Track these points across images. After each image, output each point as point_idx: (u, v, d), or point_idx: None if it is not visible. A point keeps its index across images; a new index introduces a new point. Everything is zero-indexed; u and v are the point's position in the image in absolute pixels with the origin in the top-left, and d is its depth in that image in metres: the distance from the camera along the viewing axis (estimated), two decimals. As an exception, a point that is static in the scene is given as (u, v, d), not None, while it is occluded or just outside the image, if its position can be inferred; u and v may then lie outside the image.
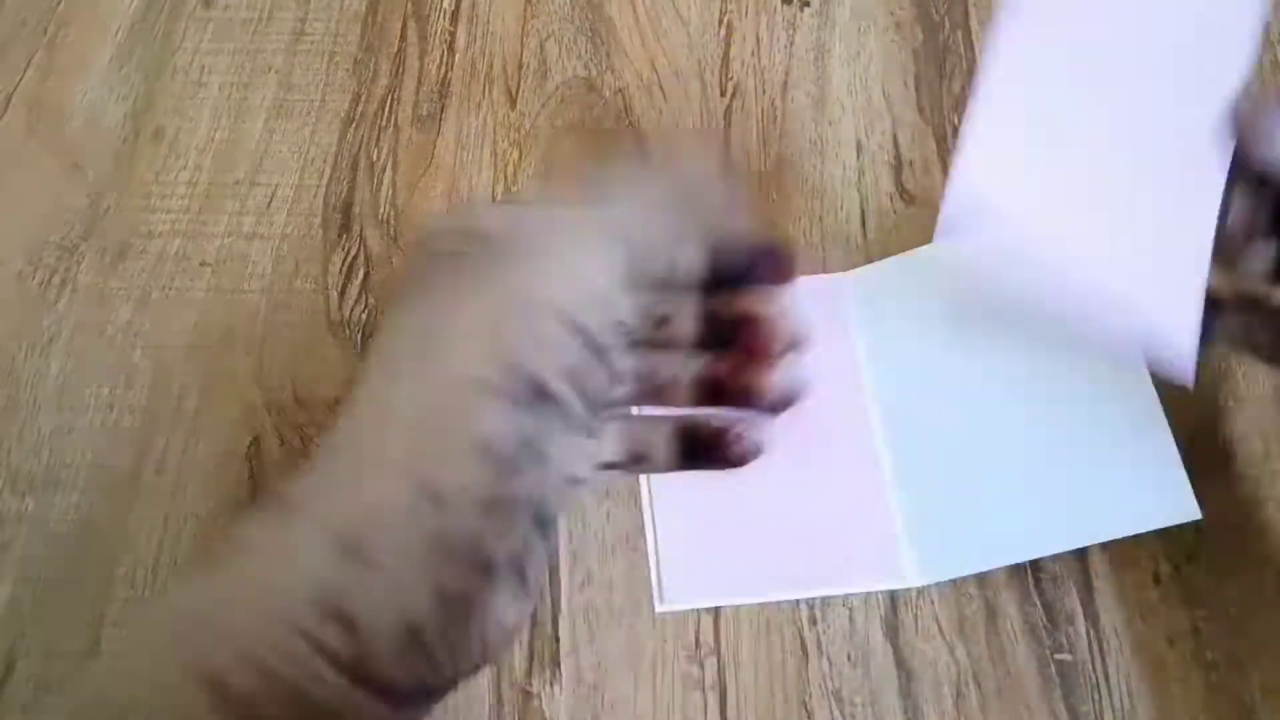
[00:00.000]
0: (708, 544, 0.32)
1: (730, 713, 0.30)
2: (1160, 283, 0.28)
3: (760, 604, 0.32)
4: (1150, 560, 0.32)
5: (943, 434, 0.33)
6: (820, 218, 0.39)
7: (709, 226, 0.26)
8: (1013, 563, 0.31)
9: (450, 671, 0.21)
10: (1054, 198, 0.28)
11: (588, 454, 0.25)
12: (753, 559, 0.32)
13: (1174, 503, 0.29)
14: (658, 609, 0.31)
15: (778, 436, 0.27)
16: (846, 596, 0.32)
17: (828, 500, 0.32)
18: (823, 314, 0.35)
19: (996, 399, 0.33)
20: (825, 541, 0.32)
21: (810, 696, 0.31)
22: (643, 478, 0.32)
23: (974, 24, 0.43)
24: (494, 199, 0.40)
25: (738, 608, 0.32)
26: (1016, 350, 0.33)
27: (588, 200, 0.25)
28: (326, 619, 0.19)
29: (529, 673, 0.31)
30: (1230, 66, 0.29)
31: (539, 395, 0.21)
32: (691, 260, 0.25)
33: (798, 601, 0.32)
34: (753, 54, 0.43)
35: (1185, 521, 0.29)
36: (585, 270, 0.23)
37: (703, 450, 0.26)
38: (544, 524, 0.22)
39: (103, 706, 0.19)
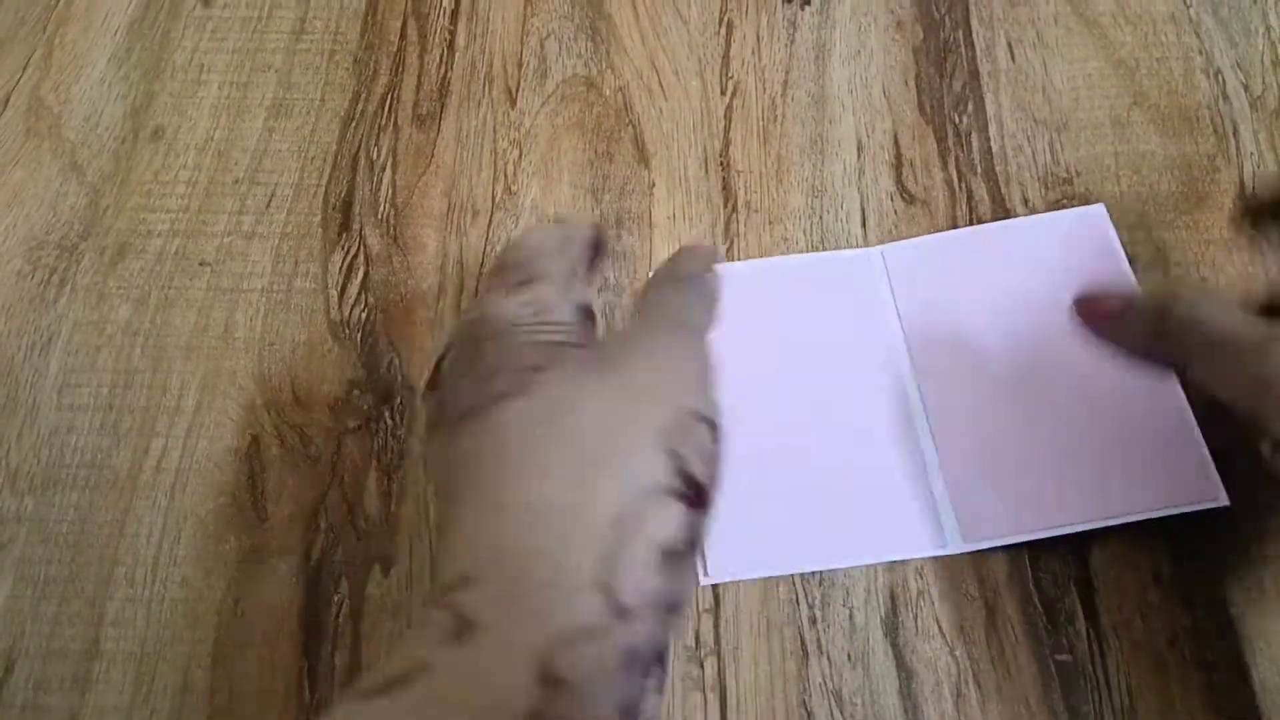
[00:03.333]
0: (752, 517, 0.32)
1: (730, 713, 0.30)
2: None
3: (764, 597, 0.32)
4: (1151, 560, 0.32)
5: (981, 405, 0.34)
6: (820, 217, 0.39)
7: None
8: (1048, 534, 0.31)
9: None
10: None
11: None
12: (795, 530, 0.32)
13: (1201, 487, 0.31)
14: (703, 581, 0.31)
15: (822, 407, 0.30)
16: (847, 597, 0.32)
17: (870, 468, 0.33)
18: (859, 285, 0.37)
19: (1031, 375, 0.34)
20: (868, 510, 0.33)
21: (810, 697, 0.31)
22: None
23: (974, 23, 0.43)
24: (494, 201, 0.39)
25: (738, 607, 0.32)
26: (1040, 337, 0.34)
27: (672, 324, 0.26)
28: None
29: (529, 673, 0.31)
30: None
31: (701, 499, 0.22)
32: None
33: (798, 601, 0.32)
34: (753, 53, 0.43)
35: (1213, 506, 0.30)
36: (708, 383, 0.24)
37: None
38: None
39: None
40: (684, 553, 0.21)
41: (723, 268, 0.29)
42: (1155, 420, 0.32)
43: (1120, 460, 0.32)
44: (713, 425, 0.23)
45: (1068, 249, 0.36)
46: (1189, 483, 0.31)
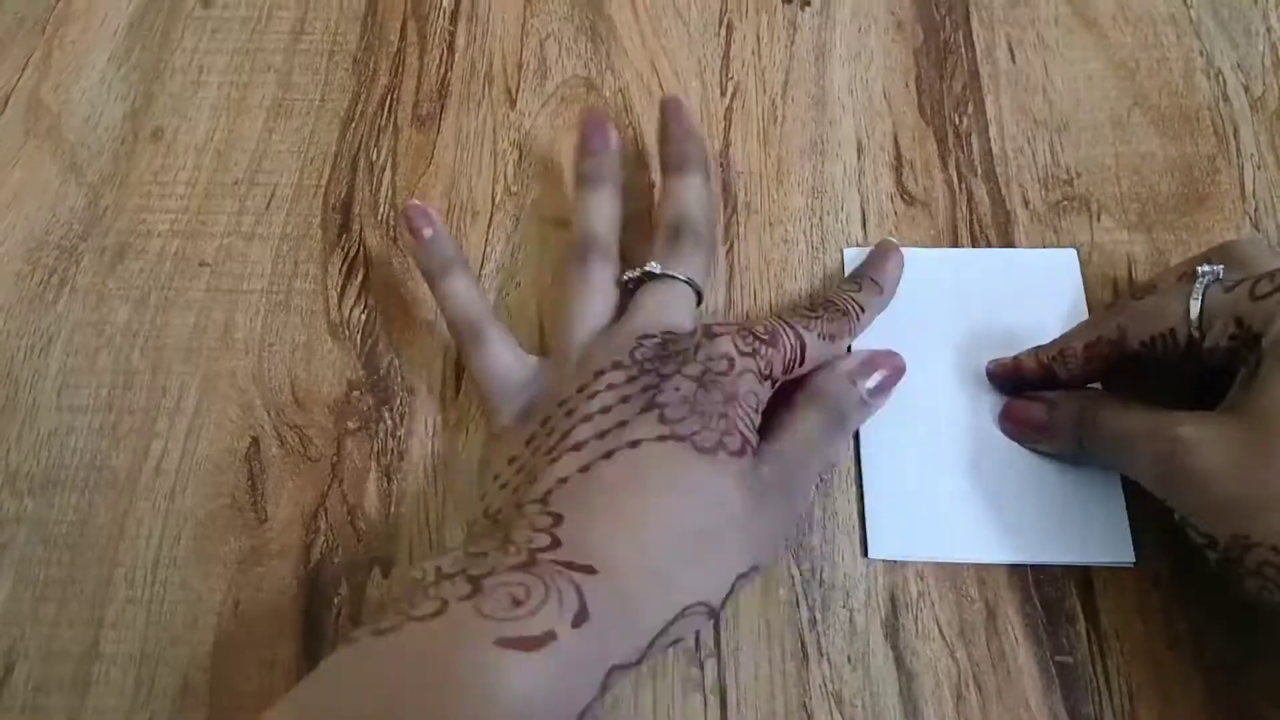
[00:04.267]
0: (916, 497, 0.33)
1: (730, 714, 0.30)
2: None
3: (764, 599, 0.32)
4: (1150, 561, 0.32)
5: (913, 426, 0.34)
6: (820, 218, 0.38)
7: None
8: (951, 561, 0.32)
9: None
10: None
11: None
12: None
13: (1114, 545, 0.32)
14: (871, 554, 0.32)
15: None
16: (847, 599, 0.32)
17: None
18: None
19: (970, 405, 0.34)
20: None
21: (810, 698, 0.31)
22: None
23: (975, 24, 0.43)
24: (494, 202, 0.39)
25: (738, 610, 0.32)
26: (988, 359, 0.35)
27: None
28: None
29: (529, 674, 0.31)
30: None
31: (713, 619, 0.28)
32: None
33: (798, 603, 0.32)
34: (753, 54, 0.43)
35: (1120, 563, 0.31)
36: (788, 534, 0.32)
37: None
38: None
39: None
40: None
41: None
42: (1081, 471, 0.33)
43: (1039, 505, 0.32)
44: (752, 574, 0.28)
45: (1035, 287, 0.36)
46: (1103, 539, 0.32)
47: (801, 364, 0.32)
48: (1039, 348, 0.33)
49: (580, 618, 0.23)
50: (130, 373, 0.36)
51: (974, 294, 0.36)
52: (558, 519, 0.26)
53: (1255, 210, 0.38)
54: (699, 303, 0.33)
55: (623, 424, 0.28)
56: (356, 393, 0.36)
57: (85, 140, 0.41)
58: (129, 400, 0.36)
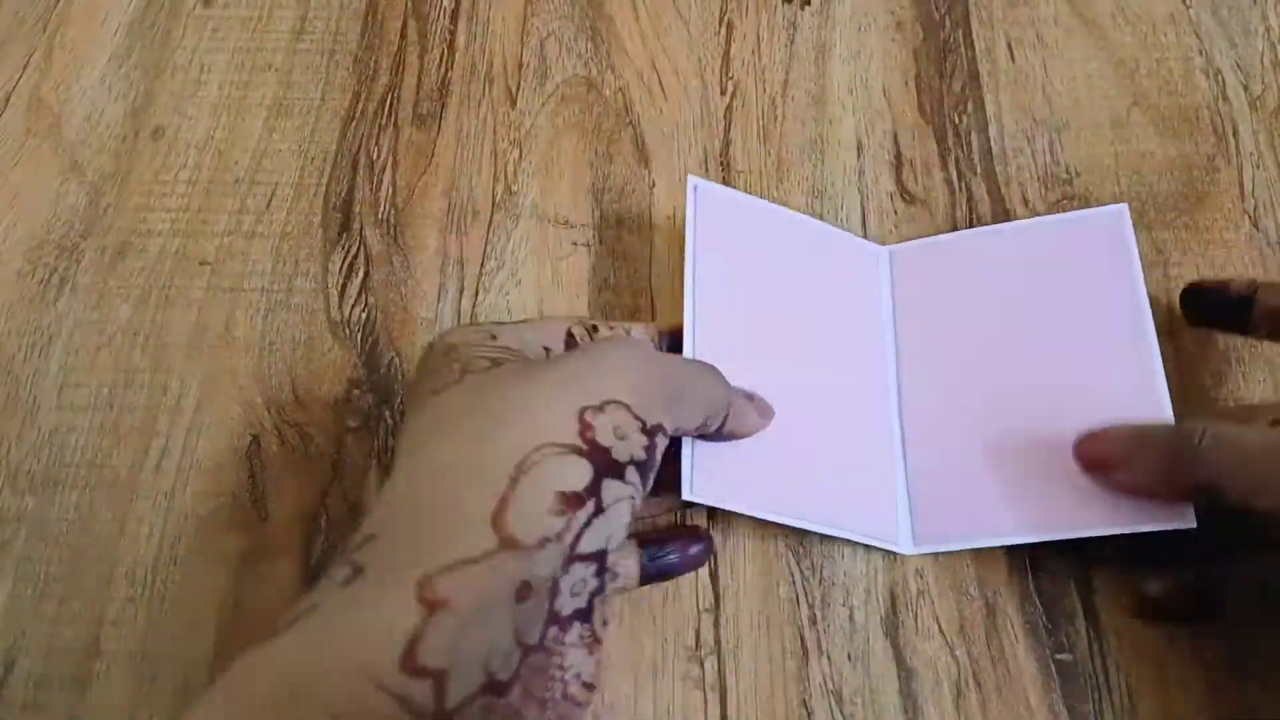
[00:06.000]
0: (733, 450, 0.31)
1: (730, 712, 0.30)
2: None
3: (764, 597, 0.32)
4: (1151, 561, 0.32)
5: (958, 417, 0.33)
6: (820, 217, 0.39)
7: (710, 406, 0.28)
8: (999, 544, 0.31)
9: (522, 707, 0.21)
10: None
11: (621, 558, 0.28)
12: (767, 477, 0.31)
13: (1171, 510, 0.29)
14: (684, 496, 0.29)
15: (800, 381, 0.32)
16: (847, 596, 0.32)
17: (839, 451, 0.33)
18: (857, 271, 0.37)
19: (1017, 385, 0.33)
20: (833, 487, 0.32)
21: (810, 696, 0.31)
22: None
23: (974, 23, 0.43)
24: (494, 201, 0.39)
25: (738, 607, 0.32)
26: (1036, 347, 0.33)
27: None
28: (412, 674, 0.19)
29: (529, 672, 0.31)
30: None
31: (615, 471, 0.23)
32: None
33: (798, 601, 0.32)
34: (753, 53, 0.43)
35: (1180, 528, 0.29)
36: (645, 380, 0.25)
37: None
38: (603, 578, 0.24)
39: None
40: (585, 502, 0.23)
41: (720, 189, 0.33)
42: None
43: (1086, 480, 0.30)
44: (639, 419, 0.24)
45: (1082, 253, 0.34)
46: (1160, 504, 0.29)
47: None
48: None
49: (351, 577, 0.21)
50: (131, 371, 0.36)
51: (1013, 271, 0.35)
52: None
53: (1254, 209, 0.38)
54: None
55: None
56: (357, 391, 0.36)
57: (86, 139, 0.41)
58: (130, 399, 0.36)
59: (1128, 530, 0.29)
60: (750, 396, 0.31)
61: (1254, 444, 0.27)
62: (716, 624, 0.32)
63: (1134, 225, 0.34)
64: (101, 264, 0.39)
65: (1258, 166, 0.39)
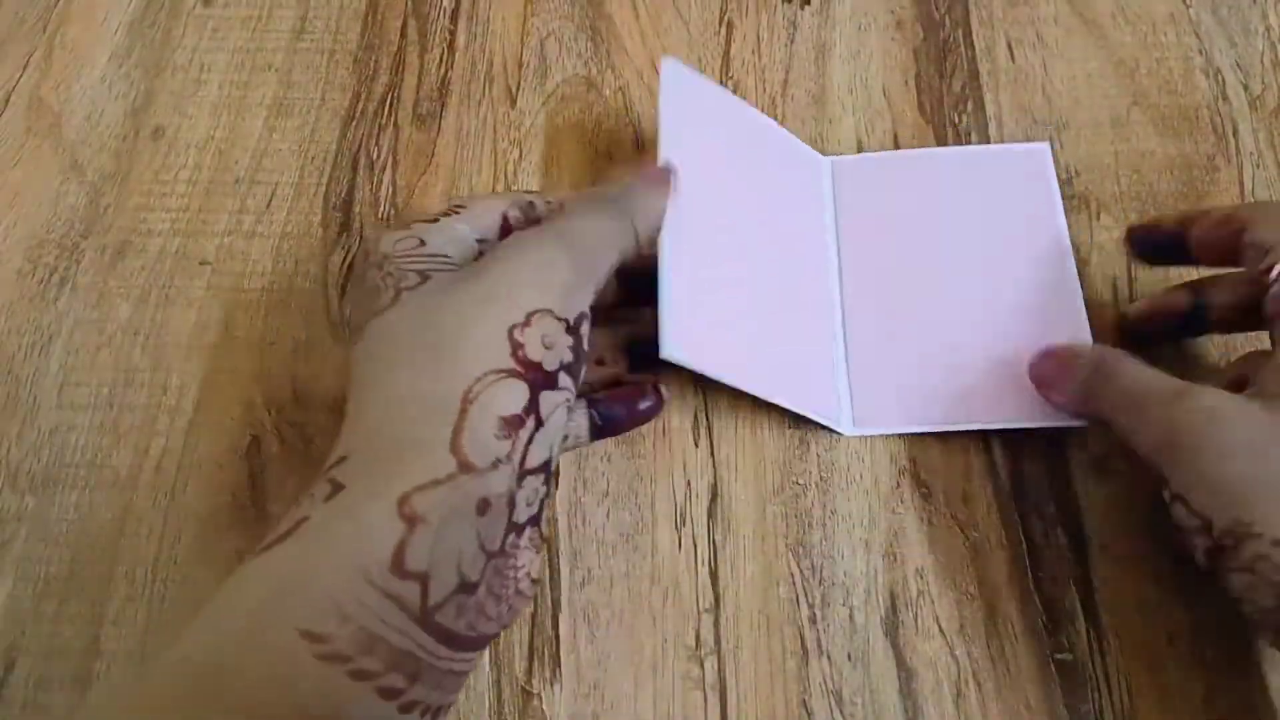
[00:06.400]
0: (704, 315, 0.32)
1: (730, 712, 0.30)
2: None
3: (764, 596, 0.32)
4: (1150, 560, 0.32)
5: (894, 308, 0.36)
6: (820, 217, 0.38)
7: (639, 234, 0.30)
8: (934, 429, 0.34)
9: (495, 620, 0.25)
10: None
11: (570, 419, 0.30)
12: (731, 344, 0.32)
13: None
14: (662, 354, 0.29)
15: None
16: (847, 596, 0.32)
17: (791, 338, 0.35)
18: (802, 175, 0.39)
19: (947, 289, 0.36)
20: (787, 367, 0.34)
21: (810, 696, 0.31)
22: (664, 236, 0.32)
23: (974, 23, 0.43)
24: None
25: (738, 607, 0.32)
26: (967, 260, 0.37)
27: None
28: (401, 576, 0.22)
29: (529, 672, 0.31)
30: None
31: (548, 382, 0.26)
32: (623, 261, 0.29)
33: (798, 601, 0.32)
34: (753, 52, 0.43)
35: (1071, 426, 0.32)
36: (559, 274, 0.27)
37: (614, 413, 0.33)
38: (549, 483, 0.26)
39: (216, 667, 0.21)
40: (525, 421, 0.25)
41: (686, 70, 0.34)
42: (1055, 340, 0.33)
43: (1014, 373, 0.33)
44: (561, 319, 0.26)
45: (1009, 184, 0.38)
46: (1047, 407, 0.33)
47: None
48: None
49: (334, 493, 0.23)
50: (131, 371, 0.36)
51: (946, 190, 0.38)
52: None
53: (1254, 209, 0.38)
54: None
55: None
56: (357, 391, 0.36)
57: (86, 139, 0.41)
58: (130, 398, 0.36)
59: (1032, 425, 0.33)
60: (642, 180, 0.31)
61: (1137, 385, 0.29)
62: (716, 624, 0.32)
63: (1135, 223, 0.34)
64: (101, 263, 0.39)
65: (1258, 166, 0.39)
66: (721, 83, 0.42)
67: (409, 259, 0.28)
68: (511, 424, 0.25)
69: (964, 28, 0.43)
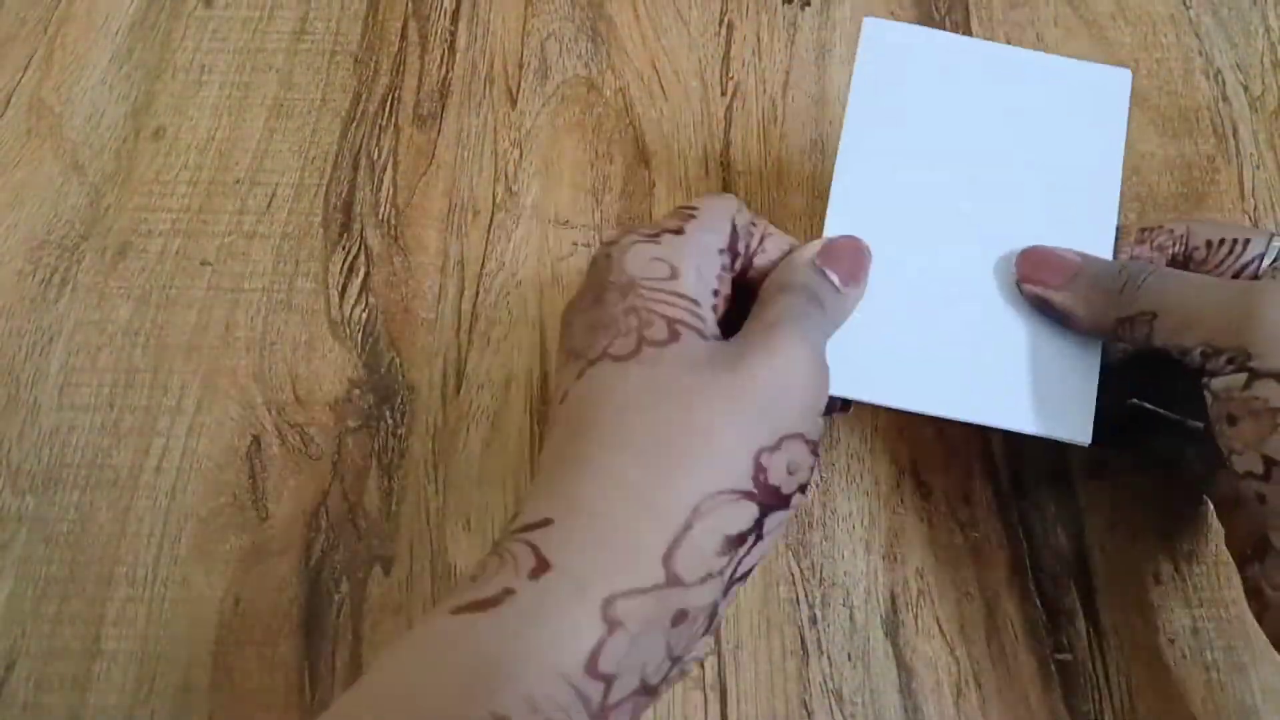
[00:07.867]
0: None
1: (730, 712, 0.30)
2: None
3: (765, 596, 0.32)
4: (1150, 560, 0.32)
5: (891, 254, 0.30)
6: (820, 218, 0.38)
7: None
8: (907, 409, 0.29)
9: (656, 699, 0.24)
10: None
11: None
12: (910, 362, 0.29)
13: (1071, 421, 0.28)
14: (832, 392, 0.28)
15: None
16: (847, 596, 0.32)
17: (960, 329, 0.30)
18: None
19: (961, 236, 0.31)
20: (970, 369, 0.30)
21: (810, 696, 0.31)
22: None
23: (974, 24, 0.43)
24: (494, 201, 0.39)
25: (738, 607, 0.32)
26: (993, 194, 0.31)
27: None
28: (592, 676, 0.22)
29: (529, 672, 0.31)
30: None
31: (781, 504, 0.25)
32: None
33: (798, 601, 0.32)
34: (753, 53, 0.43)
35: (1074, 441, 0.28)
36: (810, 395, 0.26)
37: None
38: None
39: None
40: (747, 539, 0.24)
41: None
42: (1063, 342, 0.29)
43: (1009, 366, 0.29)
44: (810, 442, 0.25)
45: (1071, 105, 0.31)
46: (1062, 414, 0.29)
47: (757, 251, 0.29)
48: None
49: (539, 570, 0.23)
50: (131, 371, 0.36)
51: (995, 98, 0.31)
52: (521, 500, 0.26)
53: (1254, 209, 0.38)
54: None
55: (559, 391, 0.27)
56: (357, 391, 0.36)
57: (87, 139, 0.41)
58: (130, 399, 0.36)
59: (1026, 430, 0.28)
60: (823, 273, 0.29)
61: (1196, 279, 0.28)
62: (716, 624, 0.32)
63: (1134, 224, 0.33)
64: (102, 264, 0.39)
65: (1258, 166, 0.39)
66: (721, 83, 0.42)
67: (658, 297, 0.26)
68: (734, 543, 0.24)
69: (964, 28, 0.43)
